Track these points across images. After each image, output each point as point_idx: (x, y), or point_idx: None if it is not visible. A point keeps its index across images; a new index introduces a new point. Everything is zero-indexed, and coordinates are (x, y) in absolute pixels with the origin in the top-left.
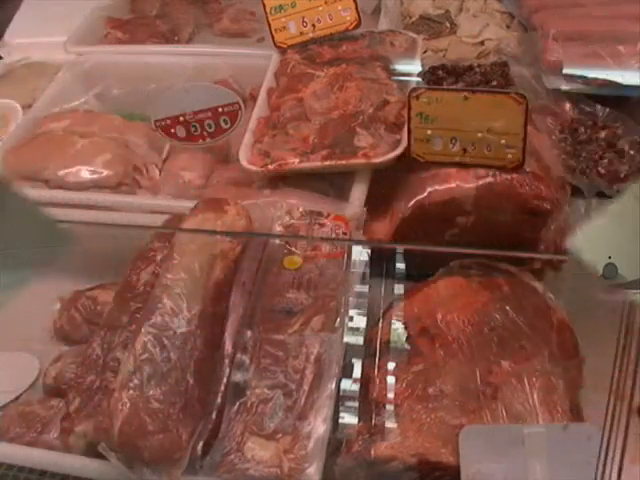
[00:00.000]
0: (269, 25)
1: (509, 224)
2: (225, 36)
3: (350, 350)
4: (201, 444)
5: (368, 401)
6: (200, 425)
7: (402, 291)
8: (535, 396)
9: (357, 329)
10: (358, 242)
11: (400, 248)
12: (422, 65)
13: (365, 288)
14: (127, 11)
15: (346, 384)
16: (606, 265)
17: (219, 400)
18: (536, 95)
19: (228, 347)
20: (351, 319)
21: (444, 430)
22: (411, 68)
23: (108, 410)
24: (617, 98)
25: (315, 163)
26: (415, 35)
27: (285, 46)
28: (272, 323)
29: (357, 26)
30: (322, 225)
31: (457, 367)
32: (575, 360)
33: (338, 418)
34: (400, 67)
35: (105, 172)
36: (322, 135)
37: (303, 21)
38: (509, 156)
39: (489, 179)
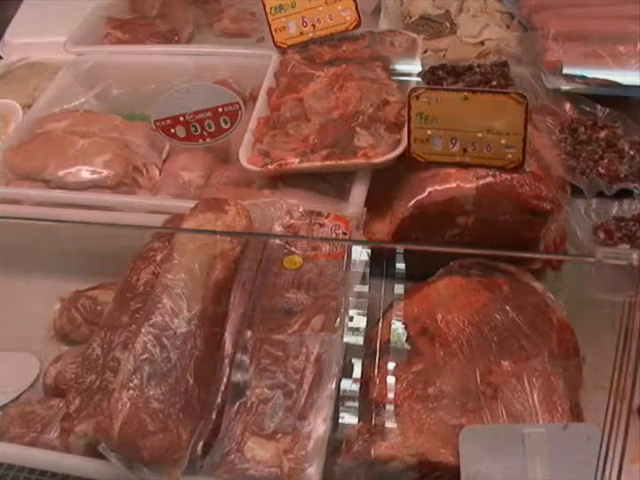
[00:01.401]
0: (269, 25)
1: (509, 224)
2: (225, 36)
3: (350, 350)
4: (201, 444)
5: (368, 401)
6: (200, 425)
7: (402, 291)
8: (535, 396)
9: (357, 329)
10: (358, 242)
11: (400, 248)
12: (422, 65)
13: (365, 288)
14: (127, 11)
15: (346, 384)
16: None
17: (219, 400)
18: (536, 95)
19: (228, 347)
20: (351, 319)
21: (444, 430)
22: (411, 68)
23: (108, 410)
24: (617, 98)
25: (315, 163)
26: (415, 35)
27: (285, 46)
28: (272, 323)
29: (357, 26)
30: (322, 225)
31: (457, 367)
32: (575, 360)
33: (338, 418)
34: (400, 67)
35: (105, 172)
36: (322, 135)
37: (303, 21)
38: (509, 156)
39: (489, 179)
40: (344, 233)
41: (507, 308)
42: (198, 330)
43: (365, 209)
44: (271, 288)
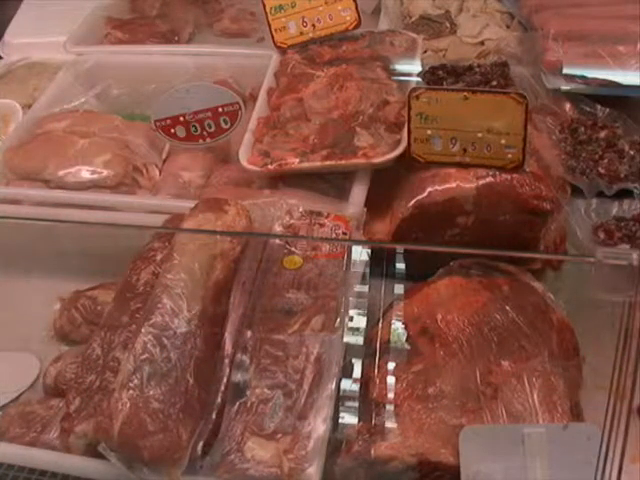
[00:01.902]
0: (269, 25)
1: (509, 224)
2: (225, 36)
3: (350, 350)
4: (201, 444)
5: (368, 401)
6: (200, 425)
7: (402, 291)
8: (535, 396)
9: (357, 329)
10: (358, 242)
11: (400, 248)
12: (422, 65)
13: (365, 288)
14: (127, 11)
15: (346, 384)
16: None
17: (219, 400)
18: (536, 95)
19: (228, 347)
20: (351, 319)
21: (444, 430)
22: (411, 68)
23: (108, 410)
24: (617, 98)
25: (315, 163)
26: (415, 35)
27: (285, 46)
28: (272, 323)
29: (357, 26)
30: (322, 225)
31: (457, 367)
32: (575, 360)
33: (338, 418)
34: (400, 67)
35: (105, 172)
36: (322, 135)
37: (303, 21)
38: (509, 156)
39: (489, 179)
40: (344, 233)
41: (507, 308)
42: (198, 330)
43: (365, 209)
44: (271, 288)
